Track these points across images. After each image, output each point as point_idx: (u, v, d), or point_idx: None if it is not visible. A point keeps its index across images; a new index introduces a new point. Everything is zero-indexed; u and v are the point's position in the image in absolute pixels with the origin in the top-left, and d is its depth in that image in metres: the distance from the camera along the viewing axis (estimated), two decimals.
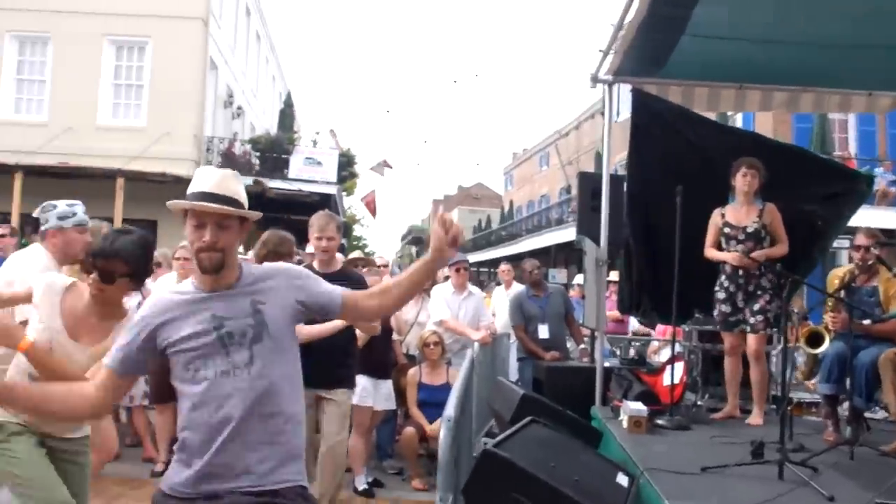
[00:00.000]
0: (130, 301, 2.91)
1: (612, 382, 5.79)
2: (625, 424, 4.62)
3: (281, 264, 2.35)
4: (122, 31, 17.41)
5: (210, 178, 2.16)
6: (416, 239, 74.26)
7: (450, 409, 1.76)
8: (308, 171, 17.53)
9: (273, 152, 18.08)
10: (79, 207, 3.83)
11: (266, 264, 2.35)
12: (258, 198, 17.06)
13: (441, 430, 1.63)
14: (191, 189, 2.17)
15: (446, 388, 6.08)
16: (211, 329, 2.09)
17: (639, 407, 4.67)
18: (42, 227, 3.82)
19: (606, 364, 5.89)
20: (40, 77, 17.64)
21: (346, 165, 19.67)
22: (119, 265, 2.64)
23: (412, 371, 6.15)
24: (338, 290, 2.30)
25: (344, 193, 22.61)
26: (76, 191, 7.21)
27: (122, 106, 17.78)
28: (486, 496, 2.03)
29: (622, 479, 2.69)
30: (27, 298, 3.13)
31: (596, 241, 5.41)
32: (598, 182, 5.58)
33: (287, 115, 22.27)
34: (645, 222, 5.70)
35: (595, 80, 5.23)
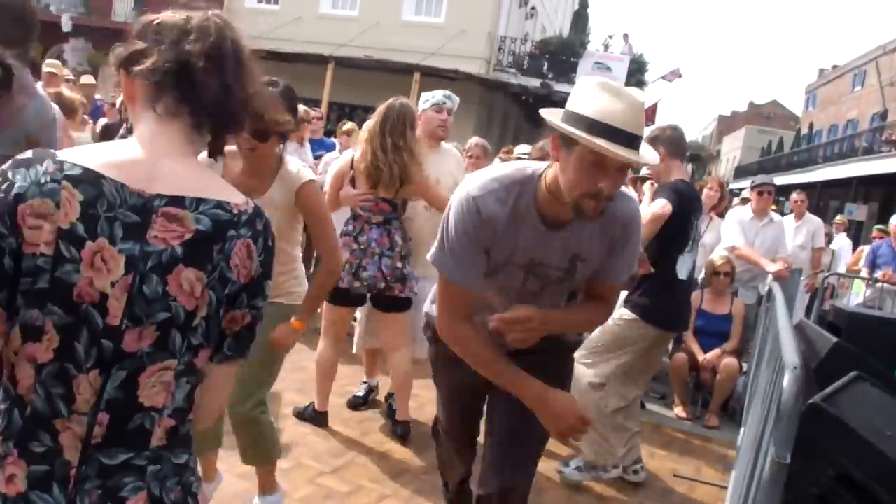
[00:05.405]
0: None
1: None
2: None
3: None
4: None
5: (625, 111, 1.70)
6: (694, 156, 70.34)
7: (791, 355, 1.55)
8: (596, 75, 17.04)
9: (563, 55, 17.80)
10: (439, 93, 4.30)
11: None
12: (544, 101, 17.06)
13: (786, 379, 1.44)
14: (595, 114, 1.70)
15: (727, 318, 5.70)
16: None
17: None
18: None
19: None
20: None
21: (636, 72, 18.84)
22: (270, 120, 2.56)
23: (693, 295, 5.81)
24: None
25: None
26: (376, 83, 7.65)
27: (424, 3, 18.51)
28: (806, 455, 1.80)
29: None
30: None
31: None
32: None
33: (581, 17, 21.72)
34: None
35: None
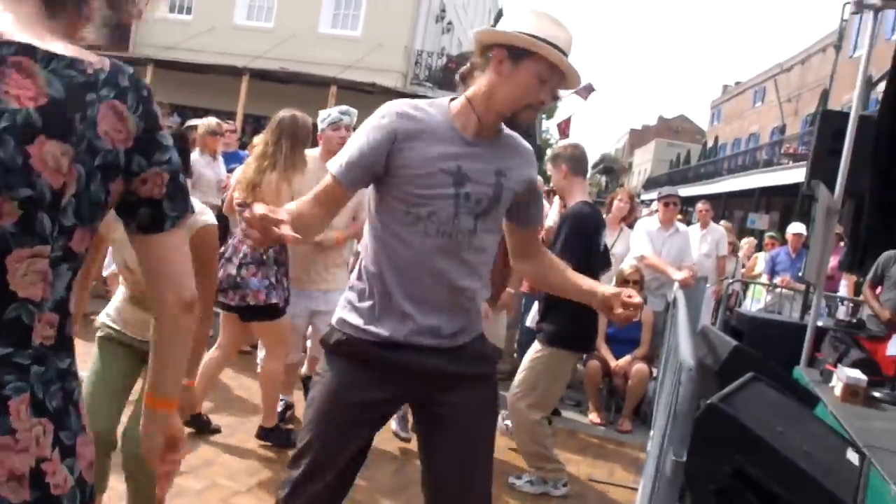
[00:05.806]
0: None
1: (824, 344, 5.32)
2: (837, 392, 4.23)
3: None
4: None
5: (566, 39, 1.91)
6: (608, 168, 72.33)
7: (687, 357, 1.63)
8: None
9: None
10: (335, 110, 4.22)
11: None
12: None
13: (683, 379, 1.51)
14: (548, 37, 1.88)
15: (637, 325, 5.89)
16: None
17: (857, 375, 4.23)
18: None
19: (820, 323, 5.39)
20: None
21: None
22: None
23: None
24: None
25: (543, 116, 22.30)
26: (293, 96, 7.58)
27: (341, 16, 18.48)
28: (704, 453, 1.89)
29: (852, 457, 2.43)
30: None
31: (830, 187, 4.86)
32: (844, 122, 4.96)
33: None
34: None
35: (861, 5, 4.54)
